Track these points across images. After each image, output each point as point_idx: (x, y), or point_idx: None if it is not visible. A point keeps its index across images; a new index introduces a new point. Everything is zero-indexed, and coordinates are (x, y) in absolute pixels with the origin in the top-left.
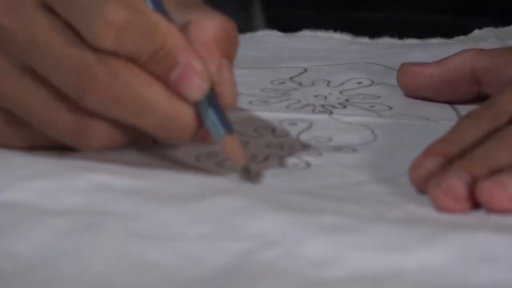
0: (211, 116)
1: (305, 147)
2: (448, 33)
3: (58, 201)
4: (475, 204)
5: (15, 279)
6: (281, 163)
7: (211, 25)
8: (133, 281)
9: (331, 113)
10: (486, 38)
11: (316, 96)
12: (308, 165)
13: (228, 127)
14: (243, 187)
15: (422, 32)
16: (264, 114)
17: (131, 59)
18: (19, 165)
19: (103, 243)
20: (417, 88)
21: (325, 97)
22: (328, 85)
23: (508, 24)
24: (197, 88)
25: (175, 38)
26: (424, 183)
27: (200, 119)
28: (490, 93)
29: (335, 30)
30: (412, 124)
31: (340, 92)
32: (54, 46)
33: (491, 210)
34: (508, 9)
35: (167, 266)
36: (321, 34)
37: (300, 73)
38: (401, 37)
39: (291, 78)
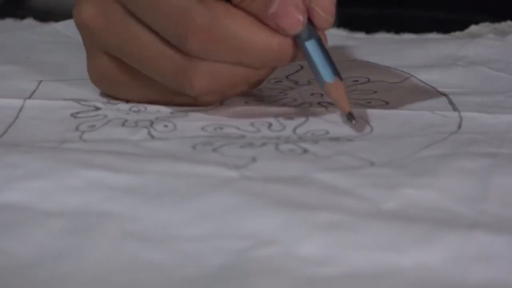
0: (316, 59)
1: (301, 138)
2: (445, 28)
3: (53, 201)
4: None
5: (11, 278)
6: (277, 148)
7: None
8: (129, 280)
9: (327, 107)
10: (483, 33)
11: (312, 94)
12: (305, 151)
13: (334, 70)
14: (239, 179)
15: (418, 27)
16: (261, 109)
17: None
18: (14, 163)
19: (99, 243)
20: None
21: (322, 95)
22: None
23: (504, 20)
24: (295, 21)
25: None
26: None
27: (296, 45)
28: None
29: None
30: (408, 114)
31: None
32: None
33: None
34: (505, 4)
35: (163, 265)
36: None
37: (296, 71)
38: (397, 32)
39: (287, 77)
